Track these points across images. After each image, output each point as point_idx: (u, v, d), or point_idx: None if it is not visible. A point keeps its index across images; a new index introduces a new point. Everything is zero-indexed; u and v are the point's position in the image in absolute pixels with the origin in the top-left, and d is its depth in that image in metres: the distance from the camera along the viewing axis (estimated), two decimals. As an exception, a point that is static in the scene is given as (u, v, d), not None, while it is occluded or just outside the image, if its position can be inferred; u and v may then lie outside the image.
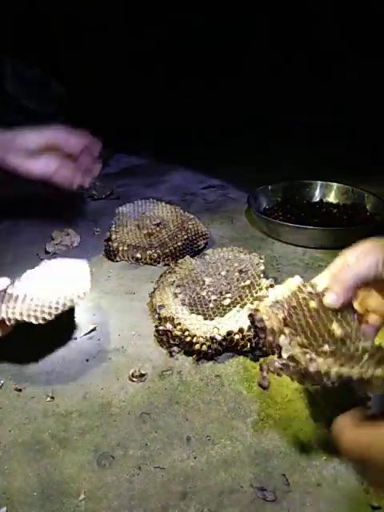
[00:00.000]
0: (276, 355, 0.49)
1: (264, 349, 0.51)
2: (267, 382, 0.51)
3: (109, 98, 1.65)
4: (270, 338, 0.50)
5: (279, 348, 0.48)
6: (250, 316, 0.52)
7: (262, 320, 0.50)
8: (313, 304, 0.51)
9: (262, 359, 0.69)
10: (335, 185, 1.18)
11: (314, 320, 0.50)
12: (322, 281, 0.53)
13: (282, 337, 0.49)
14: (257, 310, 0.52)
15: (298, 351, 0.47)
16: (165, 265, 0.93)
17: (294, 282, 0.55)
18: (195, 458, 0.55)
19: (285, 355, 0.48)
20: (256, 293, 0.75)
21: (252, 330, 0.55)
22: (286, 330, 0.49)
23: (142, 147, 1.66)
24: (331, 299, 0.50)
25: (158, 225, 1.01)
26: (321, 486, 0.52)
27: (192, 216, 1.04)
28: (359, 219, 1.08)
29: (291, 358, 0.47)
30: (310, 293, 0.53)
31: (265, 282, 0.77)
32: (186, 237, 0.97)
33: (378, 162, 1.39)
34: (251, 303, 0.73)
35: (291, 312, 0.51)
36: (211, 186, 1.35)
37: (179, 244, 0.96)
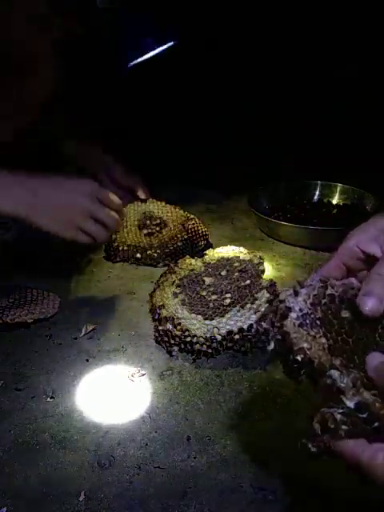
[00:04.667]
0: (324, 399, 0.36)
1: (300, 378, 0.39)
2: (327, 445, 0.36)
3: (108, 96, 1.65)
4: (312, 374, 0.37)
5: (335, 390, 0.36)
6: (279, 341, 0.39)
7: (302, 351, 0.37)
8: (345, 314, 0.40)
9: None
10: (335, 185, 1.18)
11: (354, 337, 0.38)
12: (333, 272, 0.43)
13: (335, 372, 0.36)
14: (285, 333, 0.39)
15: (368, 396, 0.35)
16: (165, 265, 0.93)
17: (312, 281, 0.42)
18: (195, 458, 0.55)
19: (350, 402, 0.35)
20: (256, 293, 0.75)
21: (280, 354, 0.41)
22: (336, 361, 0.37)
23: (141, 147, 1.66)
24: (372, 305, 0.37)
25: (157, 225, 1.01)
26: (321, 486, 0.52)
27: (192, 216, 1.03)
28: (359, 219, 1.08)
29: (362, 405, 0.34)
30: (333, 297, 0.41)
31: (265, 282, 0.77)
32: (186, 237, 0.97)
33: (377, 162, 1.39)
34: (252, 306, 0.73)
35: (327, 331, 0.39)
36: (211, 186, 1.35)
37: (179, 244, 0.96)
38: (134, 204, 1.08)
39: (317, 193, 1.19)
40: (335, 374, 0.36)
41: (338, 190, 1.17)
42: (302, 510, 0.50)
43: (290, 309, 0.40)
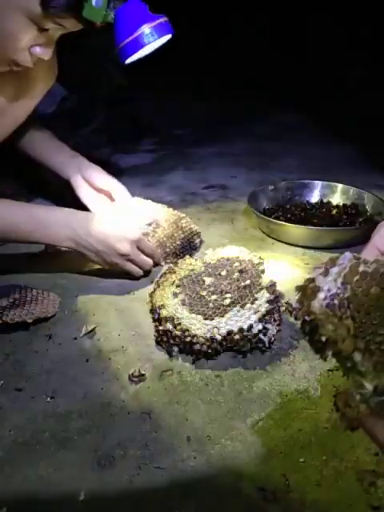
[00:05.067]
0: (350, 380, 0.38)
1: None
2: (353, 420, 0.37)
3: (109, 98, 1.65)
4: (337, 354, 0.39)
5: (357, 373, 0.38)
6: (306, 321, 0.41)
7: (326, 332, 0.39)
8: (376, 290, 0.40)
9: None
10: (335, 185, 1.18)
11: (381, 313, 0.39)
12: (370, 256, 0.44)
13: (358, 355, 0.38)
14: (312, 313, 0.40)
15: None
16: (166, 263, 0.93)
17: (344, 259, 0.43)
18: (195, 458, 0.55)
19: (369, 385, 0.37)
20: (256, 293, 0.75)
21: (306, 336, 0.42)
22: (361, 344, 0.38)
23: (142, 147, 1.66)
24: None
25: (150, 224, 1.00)
26: (321, 486, 0.52)
27: (182, 214, 1.02)
28: (359, 219, 1.08)
29: (380, 388, 0.36)
30: (365, 273, 0.41)
31: (265, 282, 0.77)
32: (182, 235, 0.97)
33: (378, 163, 1.39)
34: (252, 306, 0.73)
35: (354, 310, 0.40)
36: (211, 186, 1.35)
37: (178, 243, 0.96)
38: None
39: (317, 193, 1.19)
40: (357, 357, 0.37)
41: (338, 190, 1.17)
42: (301, 510, 0.50)
43: (318, 288, 0.41)
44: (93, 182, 1.06)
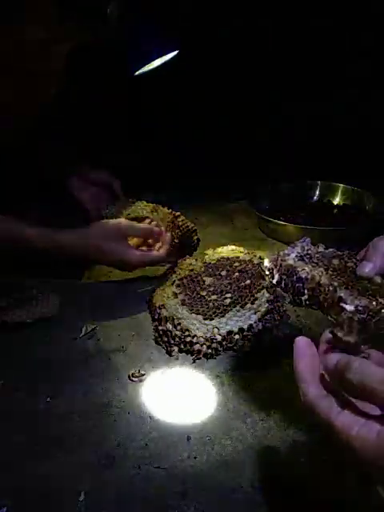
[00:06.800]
0: (329, 310, 0.46)
1: (307, 302, 0.50)
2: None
3: (109, 98, 1.65)
4: (314, 296, 0.48)
5: (337, 299, 0.45)
6: (283, 272, 0.51)
7: (304, 271, 0.49)
8: (335, 262, 0.51)
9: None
10: (336, 185, 1.18)
11: (346, 275, 0.48)
12: None
13: (335, 284, 0.46)
14: (288, 265, 0.50)
15: (365, 301, 0.44)
16: (169, 262, 0.93)
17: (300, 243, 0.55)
18: (195, 458, 0.55)
19: (350, 306, 0.44)
20: (256, 293, 0.75)
21: (287, 284, 0.51)
22: (336, 282, 0.47)
23: (141, 148, 1.66)
24: (368, 269, 0.48)
25: None
26: (321, 486, 0.52)
27: (178, 213, 1.02)
28: (359, 219, 1.08)
29: (361, 307, 0.43)
30: (323, 253, 0.53)
31: (265, 282, 0.77)
32: (180, 233, 0.97)
33: (378, 162, 1.39)
34: (252, 306, 0.73)
35: (321, 267, 0.50)
36: (212, 186, 1.35)
37: (176, 241, 0.96)
38: (115, 206, 1.06)
39: (317, 193, 1.19)
40: (335, 285, 0.46)
41: (339, 190, 1.17)
42: (301, 511, 0.50)
43: (289, 254, 0.52)
44: (89, 179, 1.07)
